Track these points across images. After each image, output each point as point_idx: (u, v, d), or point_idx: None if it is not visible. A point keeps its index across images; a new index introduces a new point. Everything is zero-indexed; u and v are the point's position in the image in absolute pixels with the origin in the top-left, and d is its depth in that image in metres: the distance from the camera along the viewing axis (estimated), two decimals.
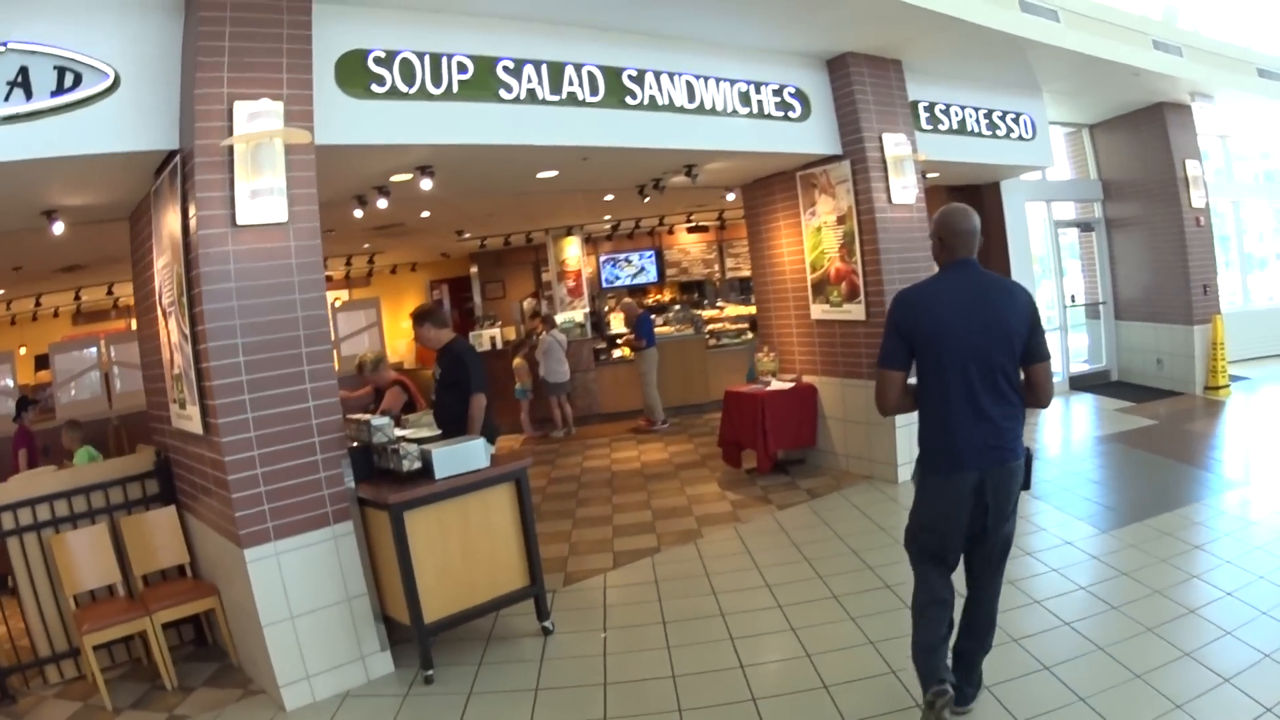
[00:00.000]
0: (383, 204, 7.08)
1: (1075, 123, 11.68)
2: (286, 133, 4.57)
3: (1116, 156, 11.65)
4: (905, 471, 7.46)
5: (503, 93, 5.77)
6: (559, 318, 13.51)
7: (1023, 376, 3.34)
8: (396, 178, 6.62)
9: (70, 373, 9.85)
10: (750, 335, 13.20)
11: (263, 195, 4.55)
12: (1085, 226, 12.22)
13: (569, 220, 12.99)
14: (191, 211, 4.53)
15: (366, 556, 4.82)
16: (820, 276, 7.98)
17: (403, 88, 5.42)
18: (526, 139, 5.89)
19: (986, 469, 3.25)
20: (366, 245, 12.38)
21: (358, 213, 7.53)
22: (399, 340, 16.29)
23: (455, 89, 5.59)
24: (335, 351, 10.83)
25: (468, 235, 12.73)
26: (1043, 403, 3.37)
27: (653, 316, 14.12)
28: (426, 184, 6.41)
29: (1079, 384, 11.54)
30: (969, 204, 3.64)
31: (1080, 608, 4.61)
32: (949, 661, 3.42)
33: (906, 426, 7.41)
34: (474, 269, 15.81)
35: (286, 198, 4.64)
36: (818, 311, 8.09)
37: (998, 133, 9.10)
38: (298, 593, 4.59)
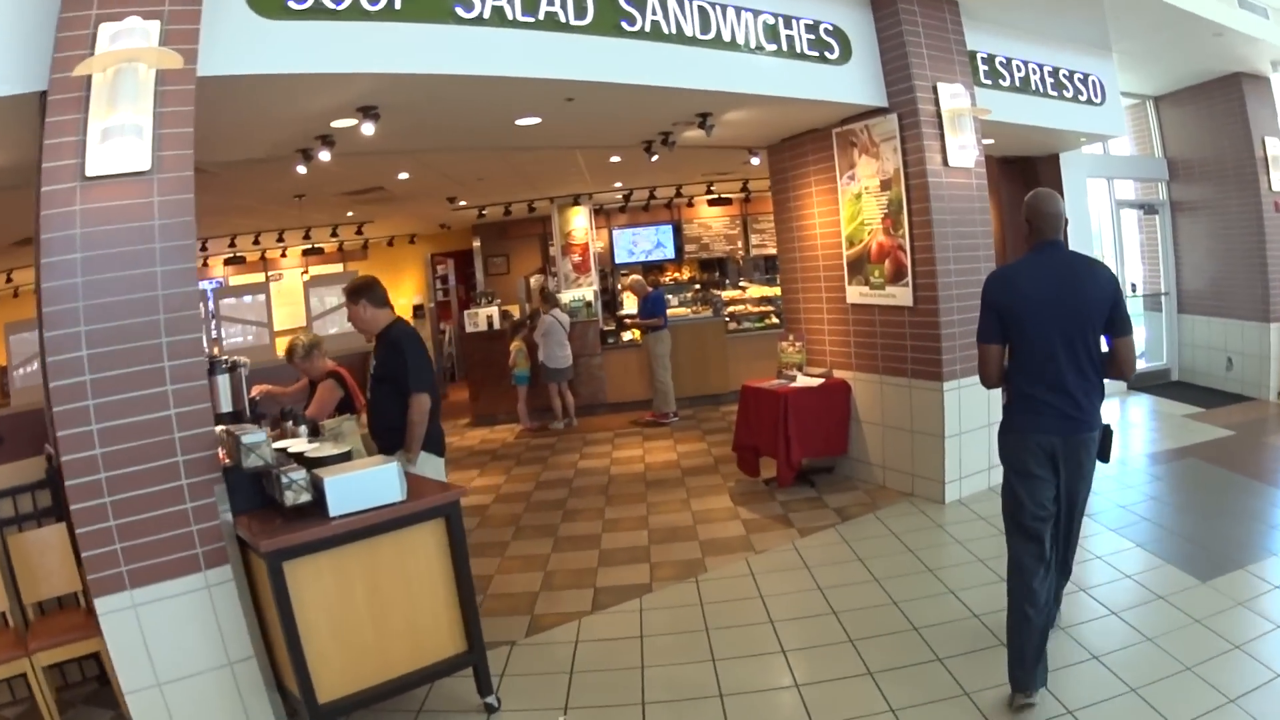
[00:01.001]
0: (325, 156, 5.85)
1: (1139, 94, 10.35)
2: (151, 54, 3.49)
3: (1185, 133, 10.26)
4: (955, 490, 6.21)
5: (460, 10, 4.55)
6: (567, 296, 12.30)
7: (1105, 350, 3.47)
8: (338, 123, 5.39)
9: (26, 355, 8.82)
10: (775, 319, 11.94)
11: (116, 136, 3.49)
12: (1148, 209, 10.88)
13: (574, 188, 11.72)
14: (42, 165, 3.47)
15: (252, 610, 3.68)
16: (859, 253, 6.67)
17: (330, 4, 4.27)
18: (491, 69, 4.67)
19: (1062, 435, 3.44)
20: (350, 214, 11.21)
21: (301, 169, 6.32)
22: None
23: (398, 5, 4.42)
24: (306, 331, 10.12)
25: (463, 203, 11.50)
26: (1126, 375, 3.55)
27: (667, 296, 12.93)
28: (369, 128, 5.18)
29: (1136, 383, 10.12)
30: (1024, 179, 3.39)
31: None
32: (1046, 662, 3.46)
33: (957, 437, 6.14)
34: (476, 242, 14.58)
35: (151, 140, 3.60)
36: (854, 294, 6.79)
37: (1064, 93, 7.77)
38: (165, 654, 3.57)
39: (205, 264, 13.54)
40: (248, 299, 9.33)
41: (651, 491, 7.40)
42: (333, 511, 3.34)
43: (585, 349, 11.42)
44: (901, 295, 6.29)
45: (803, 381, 6.92)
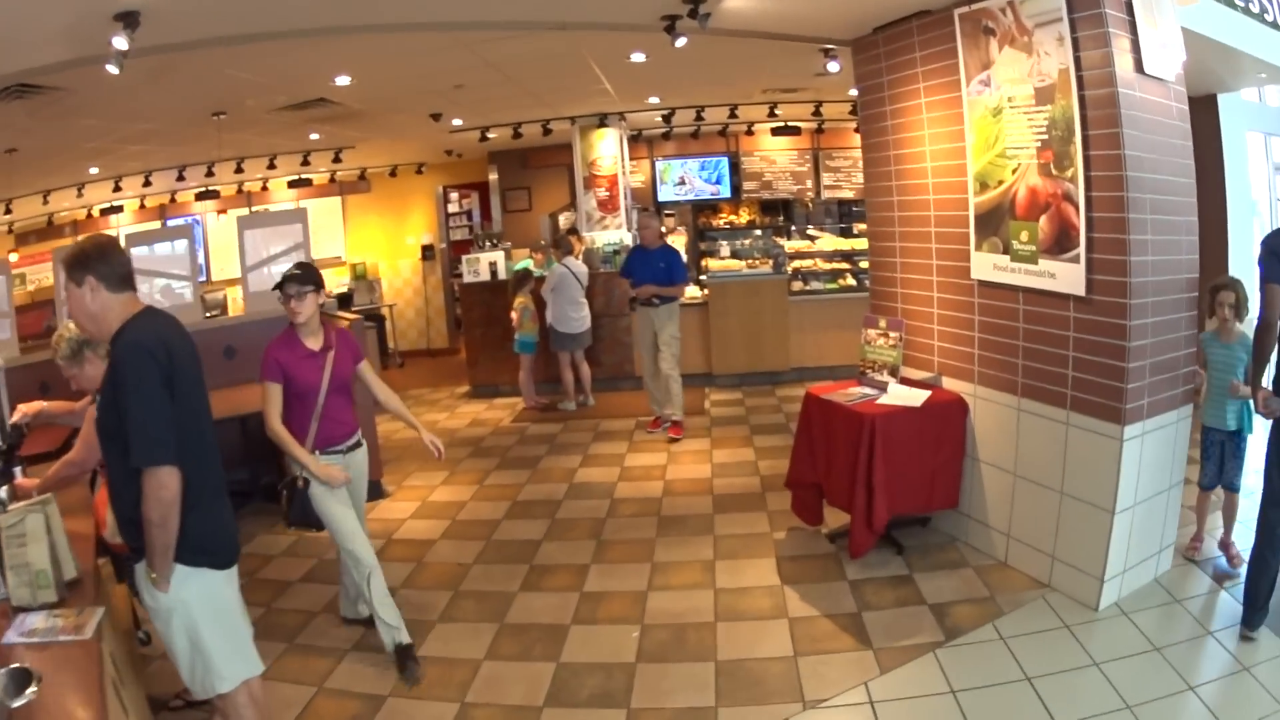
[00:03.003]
0: (120, 43, 3.64)
1: None
2: None
3: None
4: (1114, 590, 3.92)
5: None
6: (599, 239, 10.04)
7: None
8: None
9: None
10: (851, 279, 9.49)
11: None
12: None
13: (598, 105, 9.27)
14: None
15: None
16: (994, 201, 4.23)
17: None
18: None
19: None
20: (316, 137, 9.06)
21: (111, 67, 4.08)
22: (385, 264, 13.01)
23: None
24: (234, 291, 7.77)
25: (458, 123, 9.17)
26: None
27: (718, 244, 10.54)
28: None
29: None
30: None
31: None
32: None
33: (1131, 511, 3.82)
34: (493, 174, 12.29)
35: None
36: (984, 266, 4.36)
37: (1251, 6, 5.29)
38: None
39: (173, 199, 11.60)
40: (164, 247, 7.22)
41: (664, 536, 5.21)
42: None
43: (610, 308, 9.20)
44: (1065, 275, 3.86)
45: (897, 394, 4.58)
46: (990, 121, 4.17)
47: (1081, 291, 3.78)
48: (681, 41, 4.97)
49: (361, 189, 12.74)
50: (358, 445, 4.00)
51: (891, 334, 4.82)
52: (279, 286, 3.74)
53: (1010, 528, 4.39)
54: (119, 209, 11.52)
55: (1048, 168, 3.88)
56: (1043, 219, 3.93)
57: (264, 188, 11.91)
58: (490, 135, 9.81)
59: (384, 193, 12.82)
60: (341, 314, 7.11)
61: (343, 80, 6.47)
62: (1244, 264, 5.97)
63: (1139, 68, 3.67)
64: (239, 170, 10.10)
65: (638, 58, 6.70)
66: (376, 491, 6.27)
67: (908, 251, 4.96)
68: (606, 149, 9.80)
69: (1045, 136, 3.87)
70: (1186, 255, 3.87)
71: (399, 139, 9.97)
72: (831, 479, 4.58)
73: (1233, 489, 4.23)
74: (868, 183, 5.31)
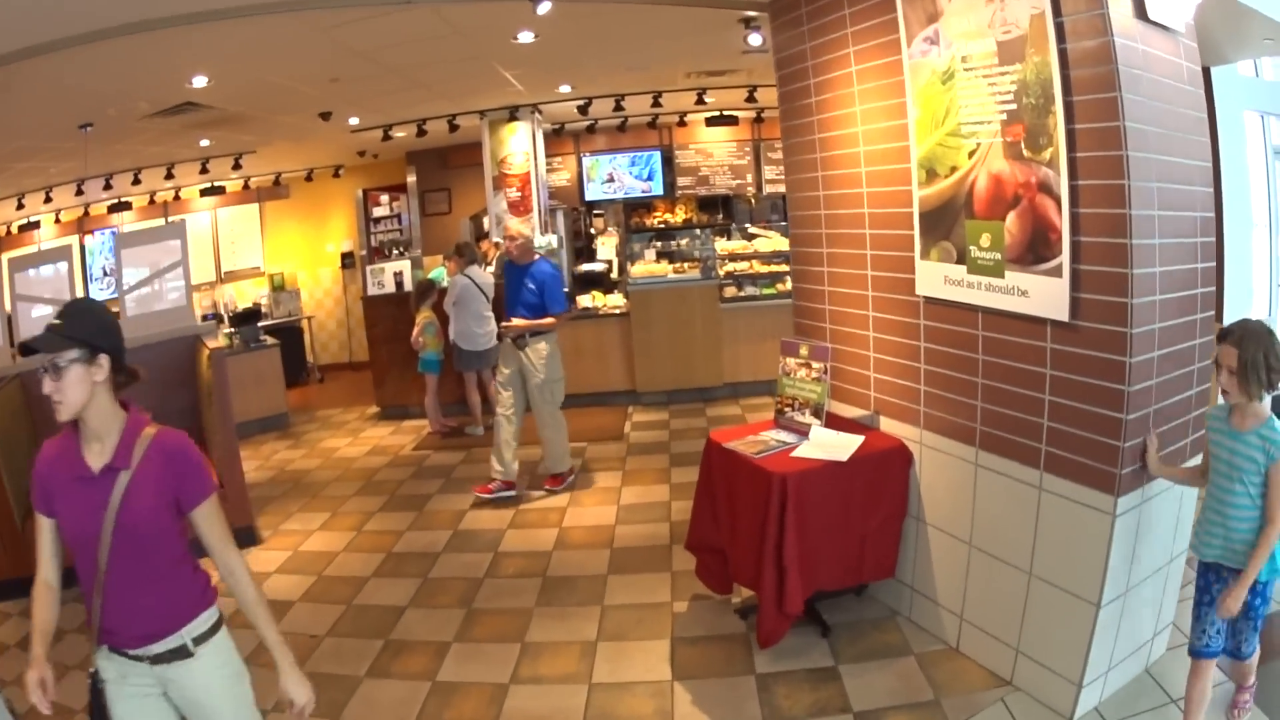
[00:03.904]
0: None
1: None
2: None
3: None
4: (1095, 693, 3.00)
5: None
6: (541, 242, 9.02)
7: None
8: None
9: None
10: (787, 284, 8.55)
11: None
12: None
13: (506, 98, 8.26)
14: None
15: None
16: (945, 194, 3.26)
17: None
18: None
19: None
20: (206, 143, 8.04)
21: None
22: (305, 273, 11.91)
23: None
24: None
25: (355, 121, 8.14)
26: None
27: (643, 247, 9.53)
28: None
29: None
30: None
31: None
32: None
33: (1120, 601, 2.93)
34: (411, 176, 11.21)
35: None
36: (933, 280, 3.39)
37: None
38: None
39: (86, 212, 10.36)
40: (47, 270, 6.15)
41: (545, 606, 4.26)
42: None
43: None
44: (1042, 293, 2.90)
45: (821, 442, 3.61)
46: (939, 91, 3.21)
47: (1064, 315, 2.81)
48: (544, 7, 3.99)
49: (280, 195, 11.63)
50: (182, 653, 2.14)
51: (815, 364, 3.82)
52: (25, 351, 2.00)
53: (963, 608, 3.44)
54: (36, 224, 10.32)
55: (1017, 148, 2.92)
56: (1010, 217, 2.97)
57: (176, 197, 10.77)
58: (397, 134, 8.79)
59: (302, 198, 11.74)
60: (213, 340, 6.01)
61: (200, 81, 5.68)
62: (1240, 275, 5.11)
63: (1140, 12, 2.74)
64: (136, 182, 9.07)
65: (525, 37, 5.67)
66: (249, 538, 5.41)
67: (837, 259, 3.99)
68: (518, 145, 8.73)
69: (1013, 107, 2.92)
70: (1202, 263, 2.94)
71: (300, 141, 8.89)
72: (736, 548, 3.61)
73: (1242, 656, 2.78)
74: (789, 174, 4.32)
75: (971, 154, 3.11)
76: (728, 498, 3.65)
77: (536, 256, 5.83)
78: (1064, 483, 2.91)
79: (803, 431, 3.73)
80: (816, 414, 3.75)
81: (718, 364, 8.16)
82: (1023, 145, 2.89)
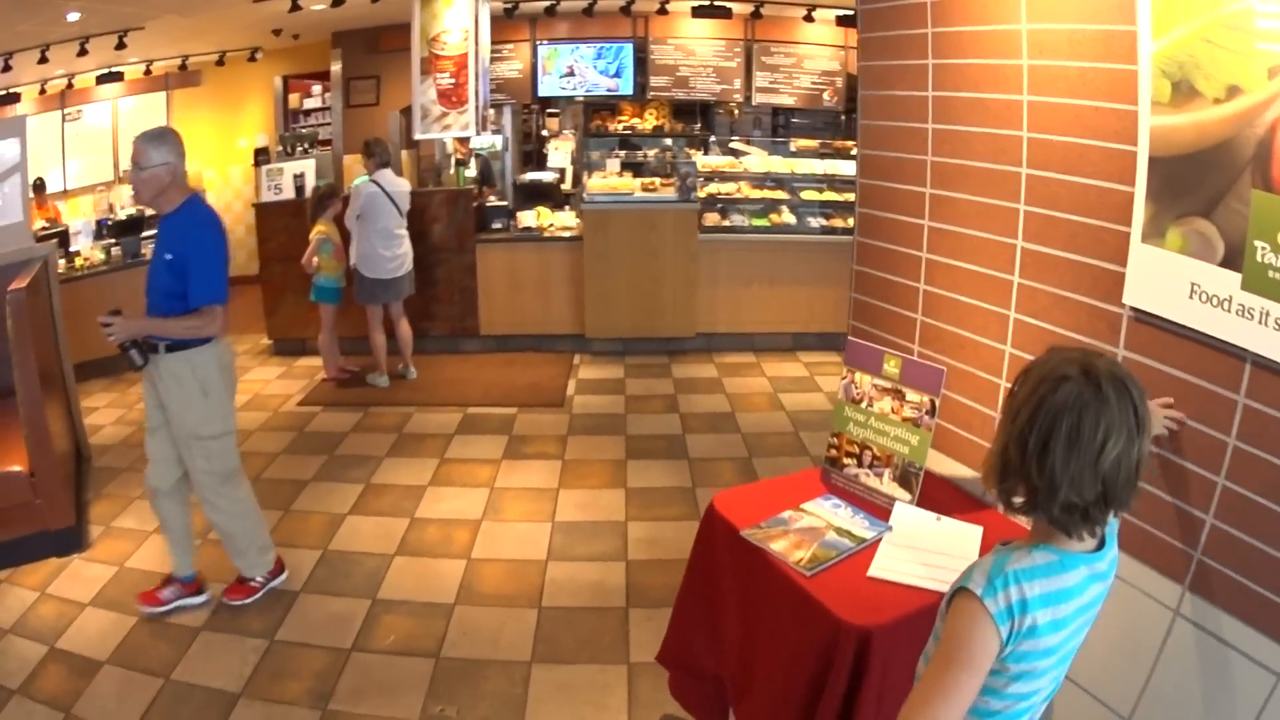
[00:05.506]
0: None
1: None
2: None
3: None
4: None
5: None
6: (480, 142, 7.45)
7: None
8: None
9: None
10: (790, 216, 7.00)
11: None
12: None
13: None
14: None
15: None
16: (1210, 134, 1.67)
17: None
18: None
19: None
20: (75, 16, 6.10)
21: None
22: (216, 172, 10.01)
23: None
24: None
25: None
26: None
27: (605, 155, 7.90)
28: None
29: None
30: None
31: None
32: None
33: None
34: (336, 63, 9.27)
35: None
36: (1160, 282, 1.84)
37: None
38: None
39: None
40: None
41: (430, 714, 2.76)
42: None
43: (451, 240, 6.58)
44: None
45: (914, 543, 2.10)
46: None
47: None
48: None
49: (190, 82, 9.57)
50: None
51: (911, 395, 2.26)
52: None
53: None
54: None
55: None
56: None
57: (70, 85, 8.73)
58: (313, 5, 6.88)
59: (215, 86, 9.68)
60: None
61: None
62: None
63: None
64: (6, 69, 7.07)
65: None
66: (71, 541, 3.88)
67: (951, 212, 2.39)
68: (454, 20, 6.82)
69: None
70: None
71: (192, 15, 6.95)
72: (755, 694, 2.12)
73: None
74: (864, 57, 2.67)
75: (1274, 70, 1.53)
76: (743, 613, 2.15)
77: (197, 191, 3.18)
78: None
79: (878, 511, 2.21)
80: (904, 481, 2.22)
81: (690, 309, 6.64)
82: None
